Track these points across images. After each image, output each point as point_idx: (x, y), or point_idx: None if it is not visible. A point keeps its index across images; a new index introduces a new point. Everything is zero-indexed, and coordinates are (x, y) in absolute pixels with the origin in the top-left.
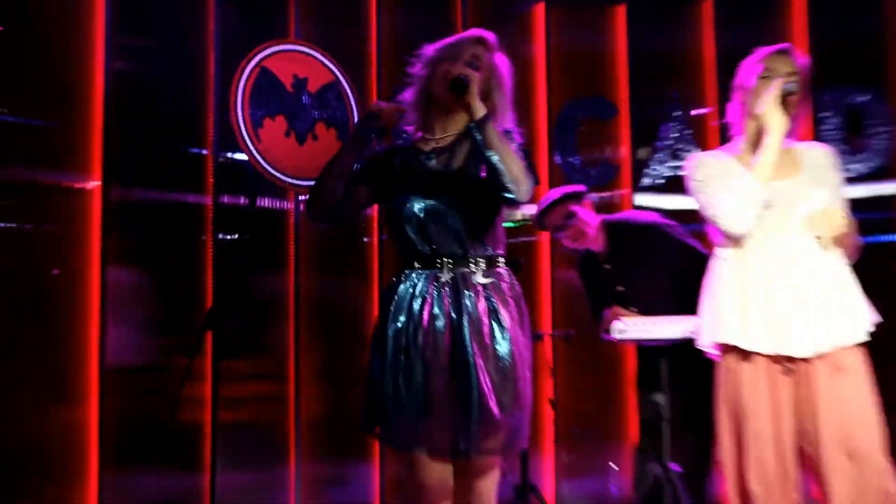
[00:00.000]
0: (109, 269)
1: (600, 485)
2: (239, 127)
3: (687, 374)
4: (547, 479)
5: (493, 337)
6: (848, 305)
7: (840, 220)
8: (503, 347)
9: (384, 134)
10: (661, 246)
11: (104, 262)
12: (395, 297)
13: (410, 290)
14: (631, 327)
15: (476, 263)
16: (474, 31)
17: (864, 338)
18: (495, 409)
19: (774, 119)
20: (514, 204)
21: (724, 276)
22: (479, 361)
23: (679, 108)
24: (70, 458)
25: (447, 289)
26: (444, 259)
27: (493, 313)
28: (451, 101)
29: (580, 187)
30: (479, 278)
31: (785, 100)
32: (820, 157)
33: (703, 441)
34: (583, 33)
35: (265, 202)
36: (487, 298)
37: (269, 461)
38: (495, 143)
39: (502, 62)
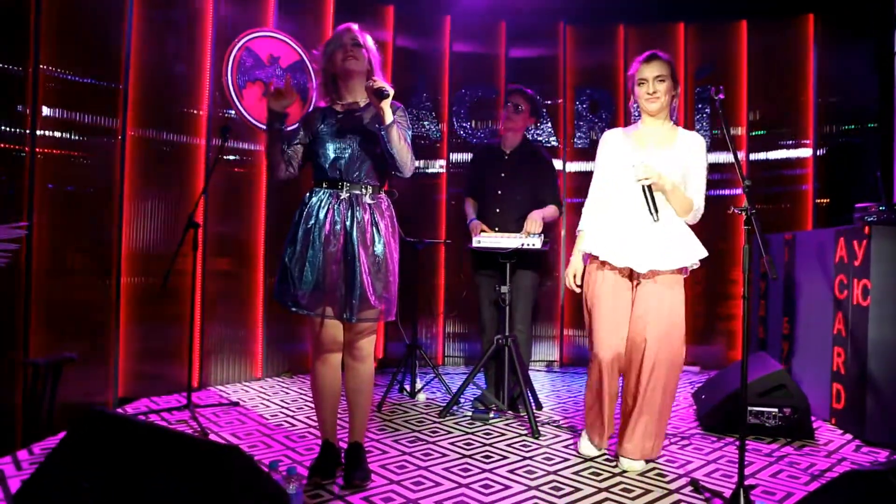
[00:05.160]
0: (129, 185)
1: (471, 346)
2: (228, 89)
3: (519, 270)
4: (438, 340)
5: (373, 240)
6: (673, 243)
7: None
8: (379, 248)
9: (284, 120)
10: (541, 164)
11: (122, 181)
12: (307, 207)
13: (318, 202)
14: (485, 239)
15: (365, 189)
16: (343, 26)
17: (679, 266)
18: (370, 292)
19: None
20: (402, 175)
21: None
22: (362, 257)
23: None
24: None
25: (344, 204)
26: (345, 183)
27: (374, 224)
28: (371, 99)
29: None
30: (367, 199)
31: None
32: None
33: (525, 316)
34: (476, 42)
35: (246, 145)
36: (371, 213)
37: (241, 319)
38: (394, 141)
39: (370, 41)
